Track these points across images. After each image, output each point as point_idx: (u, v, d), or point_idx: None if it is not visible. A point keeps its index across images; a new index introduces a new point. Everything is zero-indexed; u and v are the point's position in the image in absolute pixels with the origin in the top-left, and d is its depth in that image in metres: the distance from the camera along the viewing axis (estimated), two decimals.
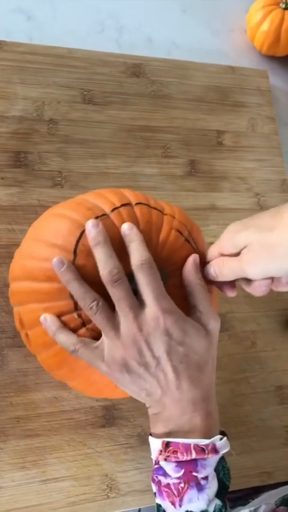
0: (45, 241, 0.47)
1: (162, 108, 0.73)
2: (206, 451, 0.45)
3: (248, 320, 0.69)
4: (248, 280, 0.47)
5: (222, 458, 0.47)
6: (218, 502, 0.46)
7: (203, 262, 0.50)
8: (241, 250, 0.45)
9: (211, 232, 0.69)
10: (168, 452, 0.45)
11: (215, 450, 0.46)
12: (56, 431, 0.58)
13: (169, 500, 0.46)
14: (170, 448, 0.45)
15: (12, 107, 0.65)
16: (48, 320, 0.46)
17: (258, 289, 0.47)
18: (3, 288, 0.58)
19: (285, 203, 0.45)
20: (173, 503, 0.45)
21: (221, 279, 0.49)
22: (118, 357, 0.44)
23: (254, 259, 0.44)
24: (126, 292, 0.44)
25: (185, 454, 0.45)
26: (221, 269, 0.48)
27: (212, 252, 0.50)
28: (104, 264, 0.44)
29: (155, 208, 0.49)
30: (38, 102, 0.66)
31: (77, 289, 0.44)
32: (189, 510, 0.45)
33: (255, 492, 0.66)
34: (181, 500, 0.45)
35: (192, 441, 0.45)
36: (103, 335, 0.45)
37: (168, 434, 0.47)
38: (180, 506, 0.45)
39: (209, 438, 0.46)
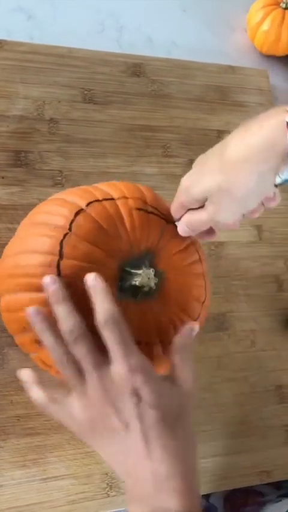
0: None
1: (162, 107, 0.73)
2: None
3: (247, 319, 0.69)
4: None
5: None
6: None
7: (173, 221, 0.50)
8: (203, 202, 0.46)
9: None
10: None
11: None
12: (56, 429, 0.58)
13: None
14: None
15: (13, 106, 0.65)
16: (24, 374, 0.46)
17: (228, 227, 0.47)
18: None
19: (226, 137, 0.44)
20: None
21: (195, 232, 0.49)
22: (85, 418, 0.42)
23: (220, 209, 0.44)
24: (88, 350, 0.41)
25: None
26: (191, 225, 0.48)
27: (175, 210, 0.49)
28: (65, 322, 0.41)
29: (104, 200, 0.47)
30: (38, 102, 0.66)
31: (46, 337, 0.42)
32: None
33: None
34: None
35: None
36: (73, 391, 0.43)
37: None
38: None
39: None
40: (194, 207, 0.47)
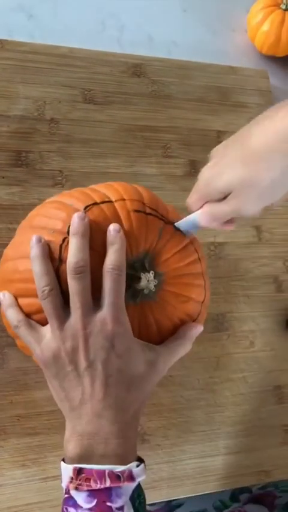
0: (38, 227, 0.47)
1: (162, 108, 0.73)
2: (122, 479, 0.41)
3: (246, 320, 0.69)
4: None
5: (138, 486, 0.43)
6: None
7: (172, 221, 0.50)
8: (226, 194, 0.45)
9: (210, 233, 0.69)
10: (80, 480, 0.41)
11: (131, 477, 0.42)
12: (56, 429, 0.58)
13: None
14: (82, 475, 0.41)
15: (13, 106, 0.65)
16: (5, 296, 0.46)
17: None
18: None
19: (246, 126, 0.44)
20: None
21: (215, 224, 0.48)
22: (52, 347, 0.43)
23: (244, 201, 0.44)
24: (84, 287, 0.42)
25: (98, 481, 0.41)
26: (214, 216, 0.47)
27: (194, 203, 0.49)
28: (74, 254, 0.42)
29: (102, 203, 0.47)
30: (39, 102, 0.66)
31: (37, 267, 0.43)
32: None
33: None
34: None
35: (106, 467, 0.41)
36: (48, 323, 0.44)
37: (80, 457, 0.43)
38: None
39: (125, 464, 0.42)
40: (216, 200, 0.46)
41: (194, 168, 0.72)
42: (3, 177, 0.62)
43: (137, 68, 0.73)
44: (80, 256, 0.42)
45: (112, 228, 0.44)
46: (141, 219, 0.47)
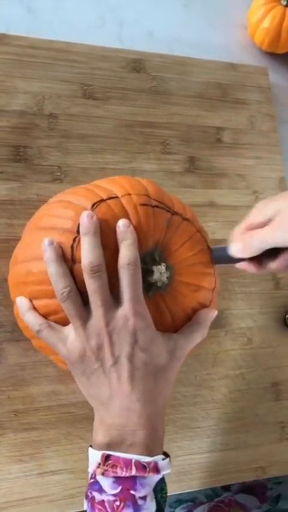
0: (47, 227, 0.47)
1: (162, 104, 0.73)
2: (147, 469, 0.43)
3: (244, 317, 0.69)
4: (274, 256, 0.47)
5: (162, 480, 0.45)
6: None
7: (178, 212, 0.50)
8: (270, 220, 0.46)
9: (209, 230, 0.69)
10: (107, 466, 0.43)
11: (156, 469, 0.43)
12: (53, 425, 0.58)
13: None
14: (110, 461, 0.43)
15: (12, 101, 0.65)
16: (22, 301, 0.47)
17: (284, 262, 0.47)
18: (1, 283, 0.59)
19: None
20: None
21: (247, 252, 0.48)
22: (78, 346, 0.44)
23: (283, 226, 0.45)
24: (102, 285, 0.43)
25: (124, 469, 0.42)
26: (249, 242, 0.47)
27: (237, 231, 0.50)
28: (88, 254, 0.43)
29: (109, 199, 0.47)
30: (38, 97, 0.66)
31: (53, 269, 0.44)
32: None
33: None
34: None
35: (133, 457, 0.43)
36: (70, 323, 0.45)
37: (109, 445, 0.44)
38: None
39: (152, 456, 0.44)
40: (259, 226, 0.47)
41: (192, 165, 0.72)
42: (1, 172, 0.62)
43: (137, 63, 0.73)
44: (95, 255, 0.43)
45: (121, 223, 0.45)
46: (148, 213, 0.48)
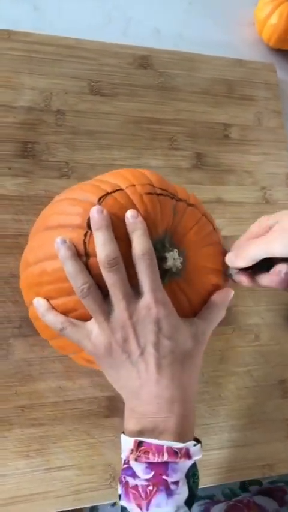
0: (58, 224, 0.47)
1: (169, 100, 0.73)
2: (179, 455, 0.44)
3: (252, 314, 0.69)
4: (267, 270, 0.48)
5: (194, 465, 0.46)
6: (186, 510, 0.44)
7: (182, 199, 0.51)
8: (269, 230, 0.47)
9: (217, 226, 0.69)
10: (139, 452, 0.44)
11: (187, 455, 0.44)
12: (60, 420, 0.58)
13: (135, 503, 0.44)
14: (142, 448, 0.44)
15: (20, 97, 0.65)
16: (39, 302, 0.47)
17: (276, 277, 0.47)
18: (9, 279, 0.58)
19: None
20: (139, 506, 0.43)
21: (240, 260, 0.49)
22: (103, 340, 0.45)
23: (285, 232, 0.45)
24: (121, 278, 0.44)
25: (156, 455, 0.43)
26: (245, 249, 0.48)
27: (239, 241, 0.51)
28: (103, 248, 0.44)
29: (114, 192, 0.47)
30: (45, 93, 0.66)
31: (70, 267, 0.44)
32: None
33: None
34: (148, 504, 0.43)
35: (165, 443, 0.44)
36: (93, 318, 0.45)
37: (141, 433, 0.45)
38: (147, 509, 0.43)
39: (183, 442, 0.44)
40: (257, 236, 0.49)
41: (200, 161, 0.72)
42: (9, 168, 0.62)
43: (144, 59, 0.73)
44: (110, 248, 0.44)
45: (130, 214, 0.45)
46: (154, 201, 0.48)
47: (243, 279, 0.51)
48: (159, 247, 0.47)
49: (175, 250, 0.47)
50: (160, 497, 0.43)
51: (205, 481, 0.62)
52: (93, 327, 0.45)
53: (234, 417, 0.65)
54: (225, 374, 0.66)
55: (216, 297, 0.50)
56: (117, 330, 0.44)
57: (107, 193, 0.47)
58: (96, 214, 0.44)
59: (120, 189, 0.47)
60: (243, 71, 0.79)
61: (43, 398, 0.58)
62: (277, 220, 0.48)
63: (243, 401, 0.66)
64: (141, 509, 0.43)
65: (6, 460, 0.55)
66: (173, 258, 0.47)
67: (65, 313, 0.46)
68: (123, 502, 0.45)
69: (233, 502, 0.68)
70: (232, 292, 0.51)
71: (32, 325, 0.53)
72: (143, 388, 0.45)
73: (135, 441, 0.44)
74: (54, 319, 0.46)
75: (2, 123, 0.63)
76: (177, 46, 0.79)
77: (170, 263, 0.47)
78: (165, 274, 0.47)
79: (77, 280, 0.44)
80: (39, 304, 0.47)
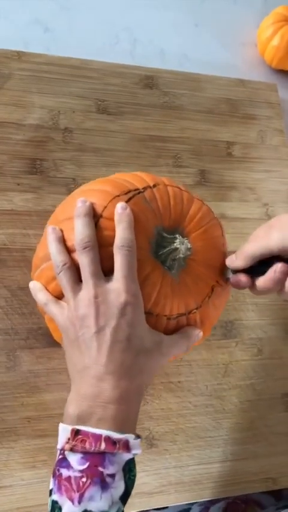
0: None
1: (174, 118, 0.75)
2: (117, 445, 0.41)
3: (255, 327, 0.70)
4: (263, 272, 0.48)
5: (132, 461, 0.43)
6: (121, 506, 0.42)
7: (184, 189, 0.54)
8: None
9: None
10: (76, 441, 0.41)
11: (126, 447, 0.42)
12: None
13: (67, 496, 0.41)
14: (79, 436, 0.42)
15: (28, 116, 0.67)
16: (34, 284, 0.51)
17: (271, 275, 0.47)
18: (17, 291, 0.60)
19: None
20: (71, 499, 0.40)
21: (240, 259, 0.49)
22: (67, 315, 0.46)
23: (282, 225, 0.47)
24: (93, 259, 0.45)
25: (93, 444, 0.41)
26: (244, 247, 0.49)
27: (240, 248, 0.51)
28: (80, 232, 0.46)
29: (138, 191, 0.50)
30: (53, 111, 0.68)
31: (53, 247, 0.47)
32: (88, 509, 0.40)
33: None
34: (81, 497, 0.40)
35: (104, 432, 0.41)
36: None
37: (79, 418, 0.43)
38: (79, 503, 0.40)
39: (123, 433, 0.42)
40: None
41: (203, 178, 0.73)
42: (18, 184, 0.64)
43: (149, 79, 0.75)
44: (86, 232, 0.46)
45: (119, 206, 0.47)
46: (174, 192, 0.52)
47: (242, 280, 0.50)
48: (171, 238, 0.49)
49: (185, 239, 0.49)
50: (94, 490, 0.40)
51: (208, 494, 0.62)
52: (66, 303, 0.47)
53: (237, 430, 0.66)
54: (228, 387, 0.67)
55: (189, 328, 0.50)
56: (80, 307, 0.45)
57: (130, 191, 0.50)
58: (80, 203, 0.47)
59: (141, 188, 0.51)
60: (246, 91, 0.81)
61: (50, 409, 0.59)
62: (273, 220, 0.49)
63: (246, 415, 0.67)
64: (72, 502, 0.40)
65: (12, 471, 0.56)
66: (182, 243, 0.48)
67: (58, 296, 0.49)
68: (54, 496, 0.42)
69: (231, 499, 0.68)
70: (201, 334, 0.51)
71: (39, 337, 0.54)
72: (90, 368, 0.44)
73: (72, 429, 0.42)
74: (41, 297, 0.49)
75: (11, 140, 0.65)
76: (181, 66, 0.81)
77: (183, 251, 0.48)
78: (174, 263, 0.49)
79: (57, 258, 0.47)
80: (33, 286, 0.51)
